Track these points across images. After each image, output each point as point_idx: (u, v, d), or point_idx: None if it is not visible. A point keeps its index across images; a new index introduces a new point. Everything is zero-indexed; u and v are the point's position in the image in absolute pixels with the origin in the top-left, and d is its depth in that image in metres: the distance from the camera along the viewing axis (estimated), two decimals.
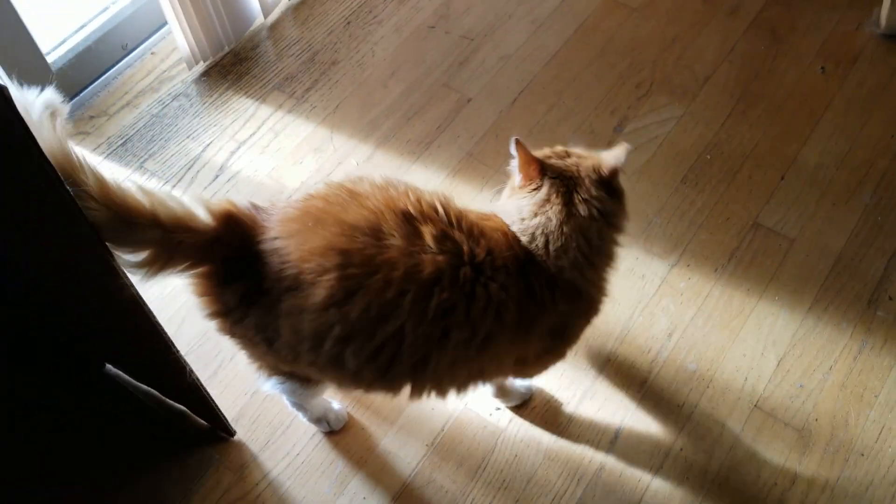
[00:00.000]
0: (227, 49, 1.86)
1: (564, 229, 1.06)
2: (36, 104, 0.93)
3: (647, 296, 1.46)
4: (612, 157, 1.09)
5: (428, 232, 0.99)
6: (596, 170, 1.09)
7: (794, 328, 1.41)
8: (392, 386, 1.08)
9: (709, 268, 1.49)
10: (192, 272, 1.03)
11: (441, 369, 1.05)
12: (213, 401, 1.29)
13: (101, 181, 0.91)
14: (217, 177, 1.67)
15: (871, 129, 1.65)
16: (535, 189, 1.09)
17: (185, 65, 1.81)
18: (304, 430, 1.35)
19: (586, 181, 1.08)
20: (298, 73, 1.84)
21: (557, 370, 1.37)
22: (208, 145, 1.72)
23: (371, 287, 0.96)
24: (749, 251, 1.51)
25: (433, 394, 1.10)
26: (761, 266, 1.49)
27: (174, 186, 1.66)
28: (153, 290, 1.52)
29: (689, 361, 1.39)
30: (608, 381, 1.38)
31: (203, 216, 0.98)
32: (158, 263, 0.99)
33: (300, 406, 1.33)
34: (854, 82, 1.73)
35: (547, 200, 1.07)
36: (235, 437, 1.37)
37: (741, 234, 1.53)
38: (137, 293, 1.01)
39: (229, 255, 1.02)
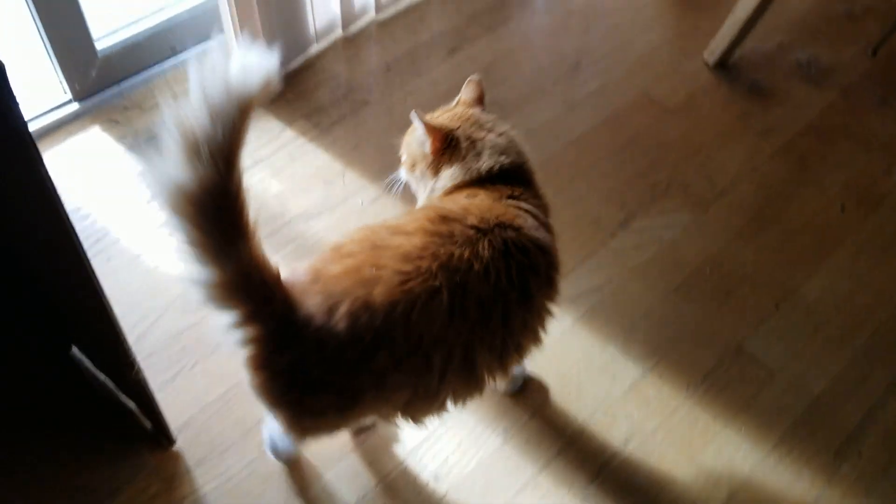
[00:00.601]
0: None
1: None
2: (255, 67, 0.88)
3: (613, 397, 1.44)
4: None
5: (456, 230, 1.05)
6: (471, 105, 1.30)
7: (752, 464, 1.37)
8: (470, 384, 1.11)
9: (682, 382, 1.46)
10: (246, 328, 0.99)
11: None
12: (157, 404, 1.30)
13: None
14: None
15: (879, 278, 1.62)
16: (450, 148, 1.21)
17: None
18: (241, 455, 1.34)
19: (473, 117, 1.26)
20: (329, 106, 1.87)
21: (503, 453, 1.35)
22: None
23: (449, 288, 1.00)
24: (726, 375, 1.47)
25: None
26: (735, 392, 1.45)
27: None
28: (139, 280, 1.55)
29: (640, 474, 1.35)
30: (552, 477, 1.35)
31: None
32: (225, 294, 0.96)
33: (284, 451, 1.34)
34: (872, 226, 1.70)
35: (471, 147, 1.20)
36: (174, 447, 1.37)
37: (722, 356, 1.50)
38: (92, 272, 1.02)
39: (281, 314, 0.98)
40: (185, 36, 1.90)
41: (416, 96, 1.90)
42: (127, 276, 1.57)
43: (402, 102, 1.89)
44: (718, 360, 1.49)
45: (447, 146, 1.22)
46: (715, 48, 1.98)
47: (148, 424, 1.40)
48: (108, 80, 1.84)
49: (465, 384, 1.10)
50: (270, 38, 1.82)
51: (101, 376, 1.48)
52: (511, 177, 1.20)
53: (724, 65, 1.99)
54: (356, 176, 1.74)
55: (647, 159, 1.80)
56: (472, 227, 1.06)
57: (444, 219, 1.06)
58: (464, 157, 1.19)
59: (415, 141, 1.28)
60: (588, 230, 1.66)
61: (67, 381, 1.44)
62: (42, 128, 1.79)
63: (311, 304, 0.99)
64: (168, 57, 1.90)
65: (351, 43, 2.04)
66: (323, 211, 1.67)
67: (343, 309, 0.97)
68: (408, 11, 2.12)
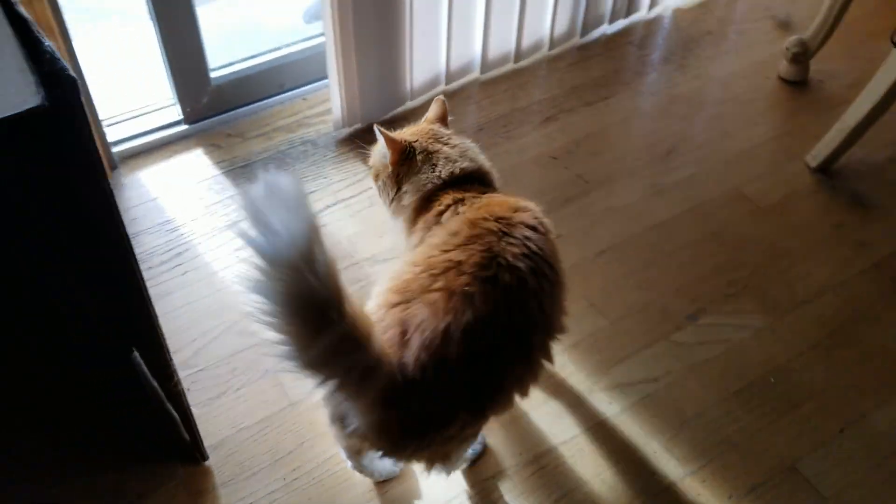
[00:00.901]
0: (373, 120, 1.97)
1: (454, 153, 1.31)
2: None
3: (648, 494, 1.38)
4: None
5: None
6: (433, 122, 1.40)
7: None
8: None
9: (724, 491, 1.38)
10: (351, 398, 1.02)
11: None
12: (193, 418, 1.34)
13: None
14: None
15: None
16: (408, 160, 1.31)
17: (327, 119, 1.96)
18: (266, 483, 1.36)
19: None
20: None
21: None
22: (310, 193, 1.83)
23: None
24: (774, 492, 1.38)
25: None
26: None
27: None
28: (207, 297, 1.63)
29: None
30: None
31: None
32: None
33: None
34: None
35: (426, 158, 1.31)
36: (206, 463, 1.41)
37: (773, 472, 1.41)
38: (142, 283, 1.07)
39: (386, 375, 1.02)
40: (293, 75, 2.01)
41: (501, 159, 1.92)
42: (197, 291, 1.64)
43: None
44: (768, 476, 1.40)
45: (405, 158, 1.32)
46: (819, 152, 1.91)
47: (186, 437, 1.45)
48: (217, 108, 1.96)
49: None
50: (369, 88, 1.91)
51: (154, 383, 1.54)
52: (476, 180, 1.31)
53: (826, 170, 1.92)
54: None
55: (728, 255, 1.74)
56: (496, 227, 1.15)
57: (474, 224, 1.15)
58: (420, 169, 1.29)
59: (378, 153, 1.37)
60: (654, 318, 1.62)
61: (122, 384, 1.52)
62: (152, 142, 1.92)
63: (409, 352, 1.03)
64: (276, 93, 2.01)
65: (449, 98, 2.07)
66: (391, 258, 1.70)
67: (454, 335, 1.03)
68: (511, 75, 2.16)
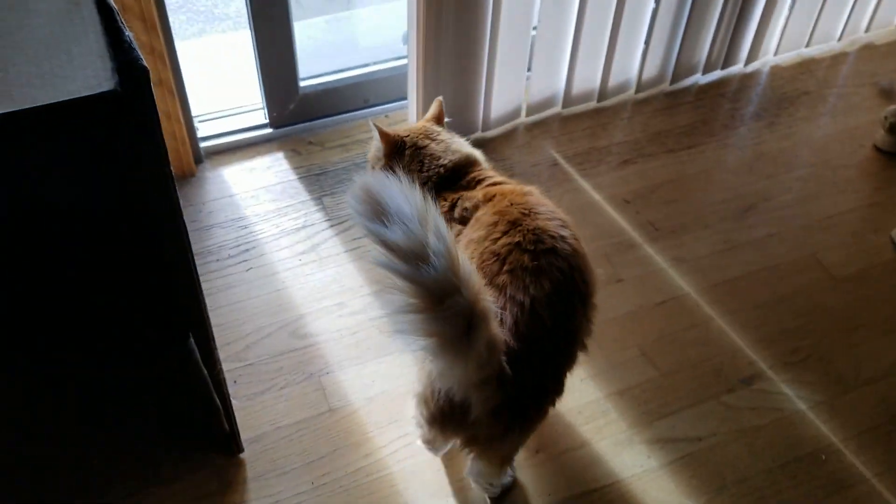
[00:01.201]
0: None
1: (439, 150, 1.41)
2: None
3: None
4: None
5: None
6: (430, 121, 1.48)
7: None
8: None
9: None
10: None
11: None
12: (231, 408, 1.37)
13: None
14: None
15: None
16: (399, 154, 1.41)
17: None
18: (296, 484, 1.39)
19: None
20: None
21: None
22: None
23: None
24: None
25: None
26: None
27: (332, 227, 1.82)
28: (266, 295, 1.67)
29: None
30: None
31: None
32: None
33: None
34: None
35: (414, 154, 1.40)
36: (241, 455, 1.44)
37: None
38: (195, 273, 1.11)
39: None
40: (378, 91, 2.06)
41: (573, 196, 1.92)
42: (257, 288, 1.69)
43: (559, 199, 1.90)
44: None
45: (397, 152, 1.42)
46: None
47: (226, 427, 1.49)
48: (302, 116, 2.03)
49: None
50: (449, 108, 1.92)
51: (204, 371, 1.59)
52: (467, 168, 1.41)
53: None
54: None
55: (795, 322, 1.68)
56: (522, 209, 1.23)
57: (504, 213, 1.23)
58: (409, 164, 1.39)
59: (373, 146, 1.47)
60: (707, 376, 1.57)
61: (177, 369, 1.57)
62: (237, 142, 1.99)
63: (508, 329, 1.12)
64: (360, 107, 2.06)
65: (528, 130, 2.10)
66: None
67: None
68: (593, 114, 2.16)
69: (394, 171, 1.33)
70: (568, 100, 2.11)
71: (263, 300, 1.67)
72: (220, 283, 1.69)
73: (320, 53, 2.34)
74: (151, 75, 1.75)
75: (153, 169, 0.84)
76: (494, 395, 1.09)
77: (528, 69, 2.01)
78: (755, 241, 1.85)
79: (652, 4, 2.03)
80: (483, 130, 2.05)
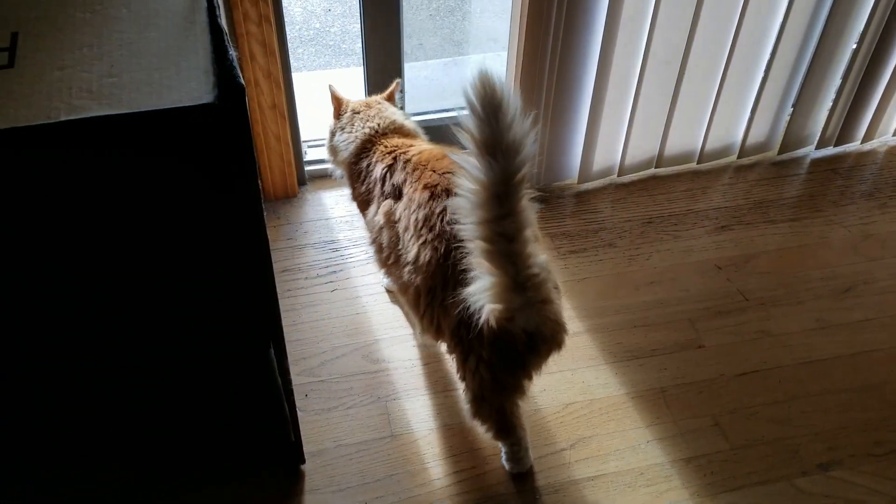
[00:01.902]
0: (535, 186, 2.03)
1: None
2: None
3: None
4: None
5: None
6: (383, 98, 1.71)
7: None
8: None
9: None
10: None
11: None
12: (297, 419, 1.42)
13: None
14: None
15: None
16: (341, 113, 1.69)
17: None
18: (350, 502, 1.42)
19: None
20: (575, 235, 1.94)
21: None
22: None
23: None
24: None
25: None
26: None
27: None
28: (348, 316, 1.73)
29: None
30: None
31: None
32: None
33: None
34: None
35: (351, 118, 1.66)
36: (302, 466, 1.48)
37: None
38: (273, 283, 1.17)
39: None
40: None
41: (662, 256, 1.89)
42: (339, 309, 1.75)
43: (647, 258, 1.89)
44: None
45: (341, 113, 1.68)
46: None
47: (292, 437, 1.54)
48: None
49: None
50: (541, 158, 1.97)
51: (279, 381, 1.65)
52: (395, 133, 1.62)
53: None
54: (569, 306, 1.76)
55: (882, 414, 1.58)
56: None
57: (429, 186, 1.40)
58: (343, 126, 1.65)
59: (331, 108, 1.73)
60: (781, 456, 1.50)
61: (255, 377, 1.64)
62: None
63: None
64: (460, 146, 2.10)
65: (624, 186, 2.10)
66: None
67: None
68: (692, 175, 2.13)
69: (334, 133, 1.69)
70: (667, 159, 2.09)
71: (343, 321, 1.73)
72: (305, 300, 1.77)
73: (432, 93, 2.42)
74: (266, 99, 1.87)
75: (242, 182, 0.90)
76: (556, 305, 1.25)
77: (629, 125, 2.01)
78: (850, 324, 1.77)
79: (762, 69, 2.00)
80: (580, 182, 2.06)
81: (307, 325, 1.72)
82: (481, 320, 1.21)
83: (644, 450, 1.50)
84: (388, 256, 1.47)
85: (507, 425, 1.41)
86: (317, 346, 1.68)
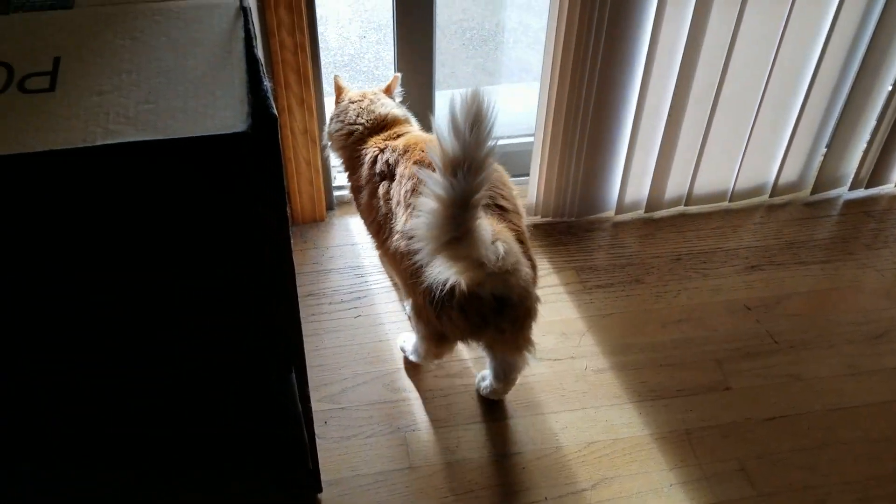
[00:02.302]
0: (565, 219, 2.03)
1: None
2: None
3: None
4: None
5: None
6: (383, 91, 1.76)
7: None
8: None
9: None
10: None
11: None
12: (315, 447, 1.41)
13: None
14: None
15: None
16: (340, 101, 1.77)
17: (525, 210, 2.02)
18: None
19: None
20: (602, 270, 1.92)
21: None
22: None
23: None
24: None
25: None
26: None
27: None
28: (370, 343, 1.72)
29: None
30: None
31: None
32: None
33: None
34: None
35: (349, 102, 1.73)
36: (318, 495, 1.47)
37: None
38: (297, 307, 1.18)
39: None
40: (507, 163, 2.07)
41: (691, 294, 1.87)
42: (362, 336, 1.75)
43: (676, 296, 1.86)
44: None
45: (339, 101, 1.76)
46: None
47: (310, 465, 1.53)
48: None
49: None
50: (569, 189, 1.96)
51: (299, 406, 1.65)
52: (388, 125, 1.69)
53: None
54: (594, 342, 1.75)
55: None
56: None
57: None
58: (338, 114, 1.72)
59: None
60: None
61: (275, 401, 1.63)
62: None
63: None
64: None
65: (652, 221, 2.08)
66: (547, 358, 1.70)
67: None
68: (724, 214, 2.11)
69: (332, 119, 1.74)
70: (697, 197, 2.08)
71: (365, 348, 1.72)
72: (328, 325, 1.76)
73: None
74: (298, 124, 1.89)
75: (271, 210, 0.90)
76: (525, 275, 1.34)
77: (660, 160, 1.99)
78: (883, 371, 1.72)
79: (797, 108, 1.98)
80: (615, 213, 2.06)
81: (329, 350, 1.71)
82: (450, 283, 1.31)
83: (667, 493, 1.47)
84: (382, 231, 1.55)
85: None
86: (338, 372, 1.67)
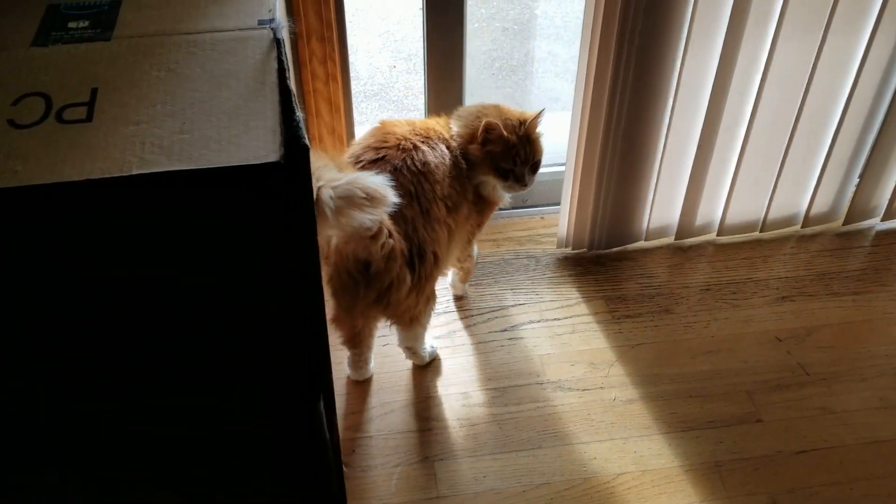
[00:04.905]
0: (595, 250, 2.02)
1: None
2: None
3: None
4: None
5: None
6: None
7: None
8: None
9: None
10: None
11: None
12: (342, 478, 1.41)
13: None
14: (505, 330, 1.83)
15: None
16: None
17: (555, 240, 2.02)
18: None
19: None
20: (631, 300, 1.91)
21: None
22: (520, 304, 1.89)
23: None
24: None
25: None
26: None
27: (471, 316, 1.86)
28: (400, 372, 1.73)
29: None
30: None
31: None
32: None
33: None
34: None
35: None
36: None
37: None
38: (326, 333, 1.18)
39: None
40: (539, 193, 2.10)
41: (721, 324, 1.85)
42: (390, 365, 1.75)
43: (705, 326, 1.84)
44: None
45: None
46: None
47: (336, 493, 1.52)
48: None
49: None
50: (600, 220, 1.96)
51: (327, 433, 1.65)
52: None
53: None
54: (623, 372, 1.73)
55: None
56: None
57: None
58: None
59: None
60: None
61: (303, 429, 1.64)
62: None
63: None
64: (518, 206, 2.12)
65: (682, 251, 2.06)
66: (575, 388, 1.69)
67: None
68: (754, 244, 2.08)
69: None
70: (728, 227, 2.06)
71: (394, 376, 1.73)
72: None
73: None
74: (328, 154, 1.89)
75: (301, 239, 0.91)
76: (385, 242, 1.39)
77: (690, 190, 1.99)
78: None
79: (829, 138, 1.96)
80: (646, 240, 2.05)
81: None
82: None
83: None
84: None
85: (355, 341, 1.64)
86: (367, 400, 1.67)
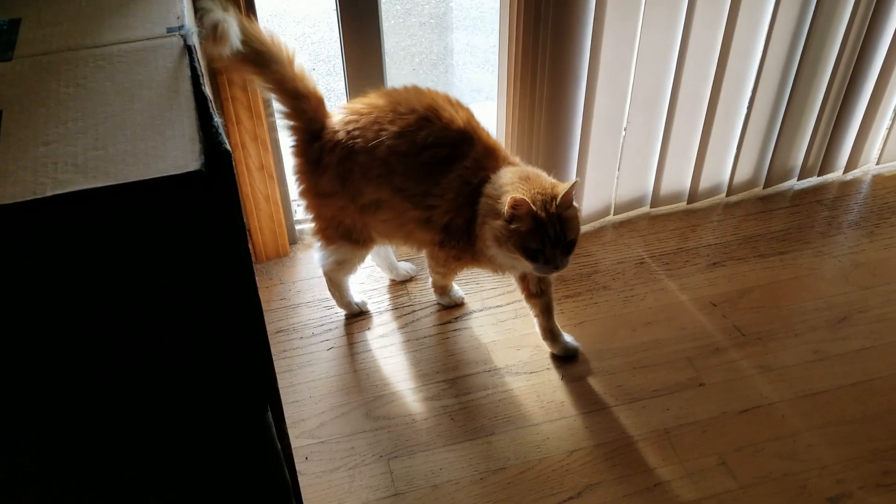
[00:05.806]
0: None
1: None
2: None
3: None
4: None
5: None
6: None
7: None
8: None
9: None
10: (288, 123, 1.62)
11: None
12: (299, 486, 1.39)
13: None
14: (449, 322, 1.84)
15: None
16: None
17: None
18: None
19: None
20: (570, 280, 1.94)
21: None
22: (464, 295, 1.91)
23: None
24: None
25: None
26: None
27: (413, 312, 1.86)
28: (344, 374, 1.71)
29: None
30: None
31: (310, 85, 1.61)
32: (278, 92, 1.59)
33: (336, 285, 1.83)
34: None
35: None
36: None
37: None
38: (268, 343, 1.16)
39: (310, 119, 1.61)
40: None
41: (658, 295, 1.89)
42: (336, 367, 1.74)
43: (643, 299, 1.88)
44: None
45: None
46: None
47: (293, 500, 1.50)
48: None
49: None
50: None
51: (278, 445, 1.62)
52: None
53: None
54: None
55: (888, 443, 1.57)
56: None
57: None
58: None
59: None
60: (790, 492, 1.48)
61: (251, 443, 1.61)
62: None
63: (336, 119, 1.62)
64: None
65: (616, 228, 2.11)
66: (523, 372, 1.71)
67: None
68: (683, 214, 2.15)
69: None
70: (657, 200, 2.11)
71: (341, 379, 1.71)
72: (301, 360, 1.75)
73: None
74: (253, 160, 1.88)
75: (231, 246, 0.89)
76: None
77: (618, 168, 2.03)
78: (848, 354, 1.76)
79: (745, 108, 2.03)
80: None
81: (304, 385, 1.70)
82: None
83: (653, 494, 1.48)
84: None
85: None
86: (315, 406, 1.66)
